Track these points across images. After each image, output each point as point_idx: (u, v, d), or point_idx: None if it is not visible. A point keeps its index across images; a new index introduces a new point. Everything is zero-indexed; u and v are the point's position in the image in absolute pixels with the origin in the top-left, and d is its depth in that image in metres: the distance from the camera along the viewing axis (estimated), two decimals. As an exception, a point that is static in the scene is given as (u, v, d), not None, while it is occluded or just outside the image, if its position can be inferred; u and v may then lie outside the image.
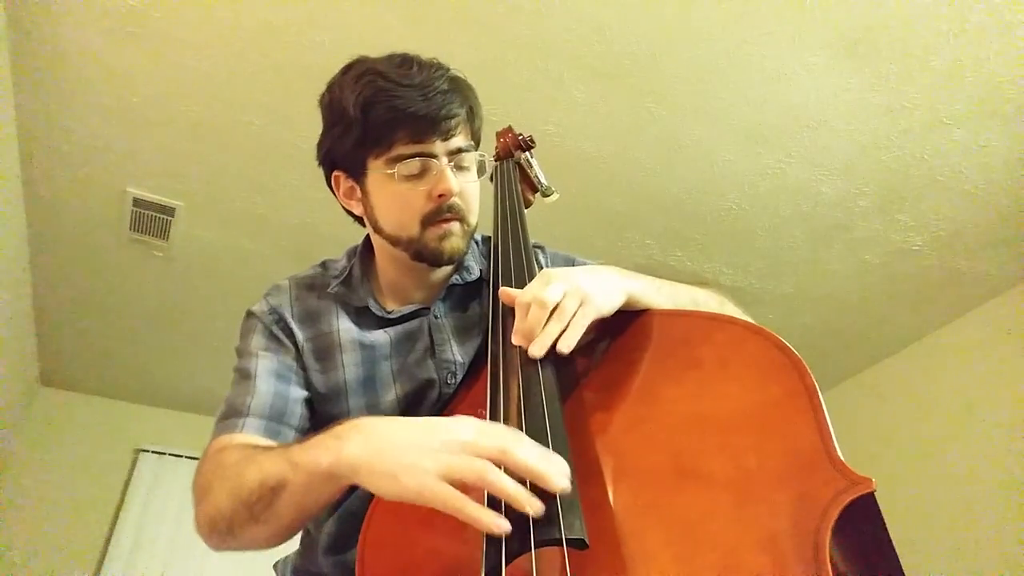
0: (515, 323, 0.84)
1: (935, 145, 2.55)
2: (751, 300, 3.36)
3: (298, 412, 0.97)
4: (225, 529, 0.80)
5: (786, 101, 2.43)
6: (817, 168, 2.68)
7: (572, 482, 0.64)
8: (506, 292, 0.90)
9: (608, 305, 0.84)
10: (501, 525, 0.60)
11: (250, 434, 0.91)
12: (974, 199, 2.74)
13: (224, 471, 0.82)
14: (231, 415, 0.94)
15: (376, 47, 1.07)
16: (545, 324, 0.80)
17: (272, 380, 0.97)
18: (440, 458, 0.63)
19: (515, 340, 0.82)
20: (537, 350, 0.79)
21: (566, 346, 0.79)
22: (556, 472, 0.62)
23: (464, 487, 0.62)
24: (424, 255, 0.99)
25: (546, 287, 0.83)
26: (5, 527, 3.63)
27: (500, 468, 0.62)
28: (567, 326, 0.80)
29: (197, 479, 0.87)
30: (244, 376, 0.98)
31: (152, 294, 3.36)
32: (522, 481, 0.62)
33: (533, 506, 0.60)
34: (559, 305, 0.81)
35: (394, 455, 0.65)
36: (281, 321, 1.03)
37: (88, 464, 3.97)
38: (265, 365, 0.99)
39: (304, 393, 1.00)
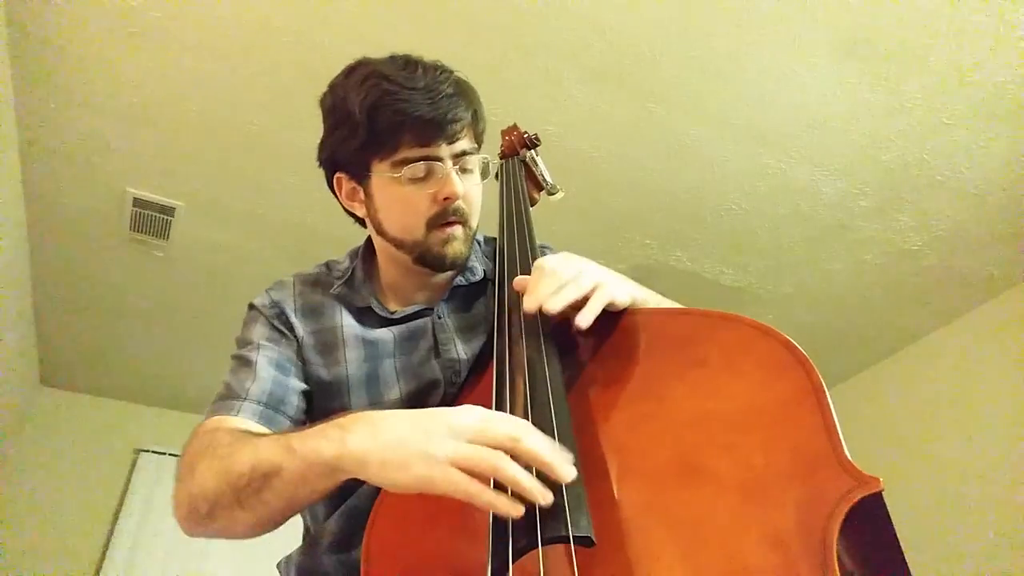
0: (528, 287, 0.84)
1: (935, 145, 2.55)
2: (751, 300, 3.36)
3: (295, 403, 0.97)
4: (206, 511, 0.77)
5: (786, 101, 2.43)
6: (817, 168, 2.69)
7: (580, 479, 0.64)
8: (521, 281, 0.91)
9: (620, 296, 0.85)
10: (519, 509, 0.60)
11: (245, 418, 0.90)
12: (974, 199, 2.75)
13: (214, 450, 0.80)
14: (229, 397, 0.94)
15: (377, 47, 1.07)
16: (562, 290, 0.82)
17: (272, 368, 0.98)
18: (449, 445, 0.62)
19: (526, 304, 0.82)
20: (554, 304, 0.79)
21: (584, 321, 0.79)
22: (565, 462, 0.62)
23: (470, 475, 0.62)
24: (427, 260, 0.99)
25: (564, 262, 0.85)
26: (5, 527, 3.62)
27: (508, 456, 0.62)
28: (585, 303, 0.81)
29: (183, 457, 0.85)
30: (245, 363, 0.98)
31: (152, 294, 3.35)
32: (528, 469, 0.62)
33: (545, 497, 0.60)
34: (575, 279, 0.83)
35: (403, 445, 0.64)
36: (282, 315, 1.03)
37: (88, 464, 3.96)
38: (266, 354, 0.99)
39: (303, 386, 0.99)
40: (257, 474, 0.72)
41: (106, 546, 3.75)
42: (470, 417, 0.65)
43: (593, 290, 0.82)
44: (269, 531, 0.80)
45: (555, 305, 0.79)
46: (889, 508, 0.59)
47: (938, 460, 3.27)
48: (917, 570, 0.61)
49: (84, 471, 3.93)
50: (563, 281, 0.82)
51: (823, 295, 3.34)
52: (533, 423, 0.70)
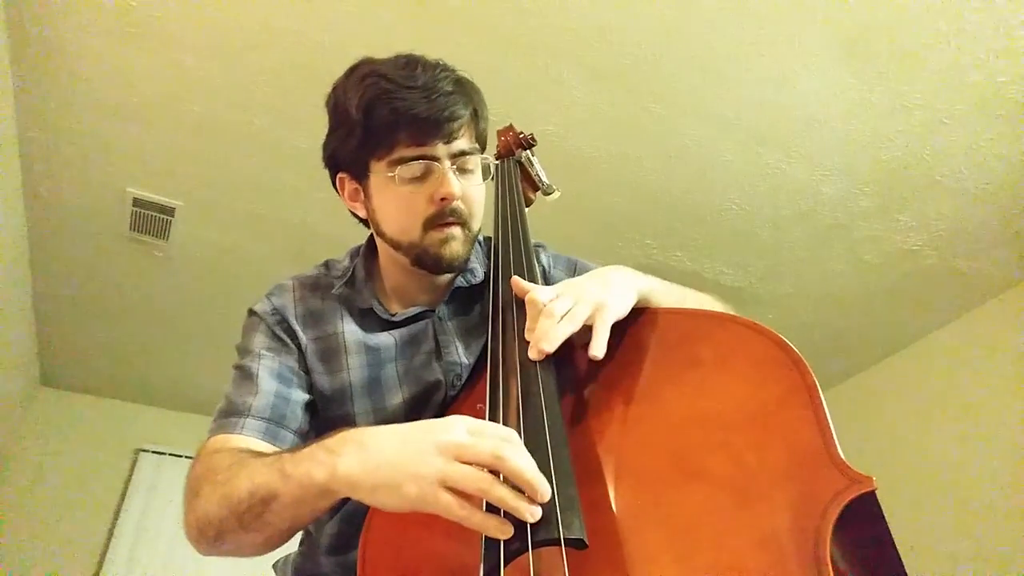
0: (527, 328, 0.83)
1: (935, 145, 2.54)
2: (751, 300, 3.36)
3: (299, 415, 0.96)
4: (214, 535, 0.79)
5: (786, 101, 2.43)
6: (817, 168, 2.68)
7: (572, 481, 0.64)
8: (517, 282, 0.89)
9: (623, 308, 0.83)
10: (507, 531, 0.60)
11: (248, 435, 0.90)
12: (974, 199, 2.74)
13: (215, 475, 0.81)
14: (231, 413, 0.93)
15: (376, 47, 1.07)
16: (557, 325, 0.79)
17: (274, 381, 0.96)
18: (438, 465, 0.62)
19: (531, 354, 0.80)
20: (548, 346, 0.77)
21: (599, 351, 0.76)
22: (544, 483, 0.62)
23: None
24: (424, 261, 0.98)
25: (557, 299, 0.82)
26: (5, 527, 3.62)
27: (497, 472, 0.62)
28: (595, 333, 0.78)
29: (189, 479, 0.86)
30: (246, 375, 0.97)
31: (152, 294, 3.35)
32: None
33: (534, 514, 0.60)
34: (570, 312, 0.80)
35: (392, 466, 0.64)
36: (284, 322, 1.02)
37: (88, 464, 3.96)
38: (268, 365, 0.98)
39: (305, 396, 0.98)
40: (255, 499, 0.73)
41: (106, 546, 3.76)
42: (456, 433, 0.65)
43: (593, 315, 0.80)
44: (278, 547, 0.81)
45: (550, 347, 0.77)
46: (888, 508, 0.59)
47: (937, 460, 3.27)
48: (915, 570, 0.61)
49: (84, 471, 3.93)
50: (556, 321, 0.79)
51: (823, 295, 3.33)
52: (525, 427, 0.70)
